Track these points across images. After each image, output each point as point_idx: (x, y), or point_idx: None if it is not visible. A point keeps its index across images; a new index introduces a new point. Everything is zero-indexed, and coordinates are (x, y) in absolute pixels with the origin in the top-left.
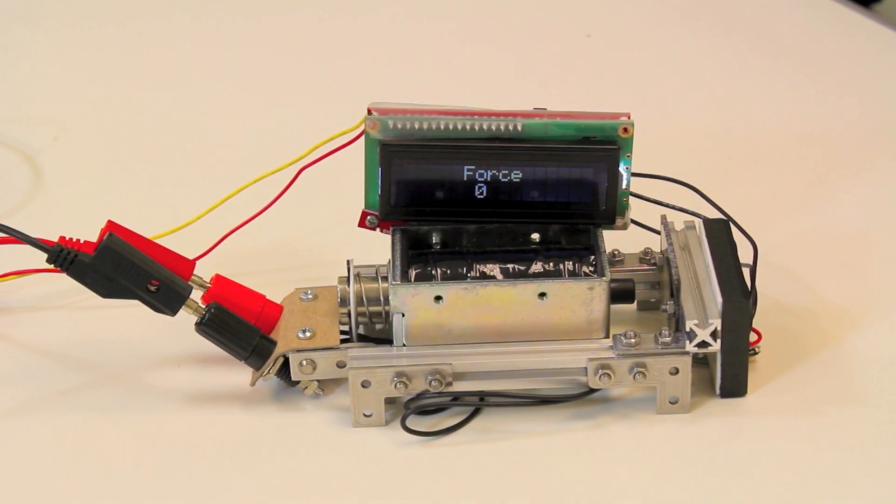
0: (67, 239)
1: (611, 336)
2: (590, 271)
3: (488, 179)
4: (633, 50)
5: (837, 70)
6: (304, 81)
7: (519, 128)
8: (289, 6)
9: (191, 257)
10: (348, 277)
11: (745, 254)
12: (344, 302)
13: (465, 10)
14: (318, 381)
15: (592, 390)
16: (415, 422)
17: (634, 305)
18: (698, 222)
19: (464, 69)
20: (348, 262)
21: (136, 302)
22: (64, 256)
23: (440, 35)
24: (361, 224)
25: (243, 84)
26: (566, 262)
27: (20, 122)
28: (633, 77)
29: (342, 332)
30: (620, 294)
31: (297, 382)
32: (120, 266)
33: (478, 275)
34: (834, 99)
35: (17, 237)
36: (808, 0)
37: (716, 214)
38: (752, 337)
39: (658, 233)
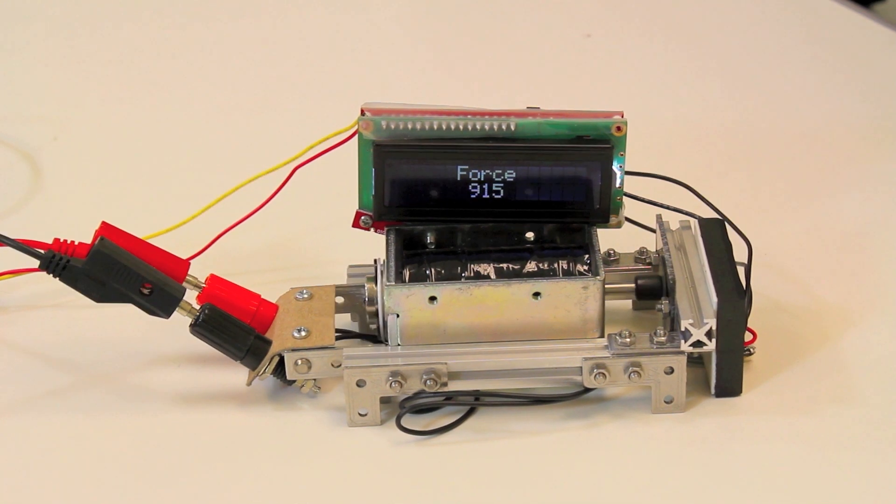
0: (62, 241)
1: (606, 335)
2: (584, 270)
3: (482, 179)
4: (633, 50)
5: (837, 70)
6: (298, 81)
7: (512, 127)
8: (284, 6)
9: (185, 256)
10: (376, 277)
11: (740, 253)
12: (372, 301)
13: (463, 10)
14: (314, 378)
15: (587, 390)
16: (410, 421)
17: (630, 304)
18: (693, 222)
19: (462, 69)
20: (375, 261)
21: None
22: (56, 263)
23: (437, 35)
24: (356, 224)
25: (239, 84)
26: (560, 261)
27: (20, 121)
28: (633, 77)
29: (345, 333)
30: (648, 291)
31: (294, 381)
32: (112, 270)
33: (472, 275)
34: (834, 99)
35: (9, 244)
36: (808, 0)
37: (711, 214)
38: (747, 336)
39: (654, 231)
